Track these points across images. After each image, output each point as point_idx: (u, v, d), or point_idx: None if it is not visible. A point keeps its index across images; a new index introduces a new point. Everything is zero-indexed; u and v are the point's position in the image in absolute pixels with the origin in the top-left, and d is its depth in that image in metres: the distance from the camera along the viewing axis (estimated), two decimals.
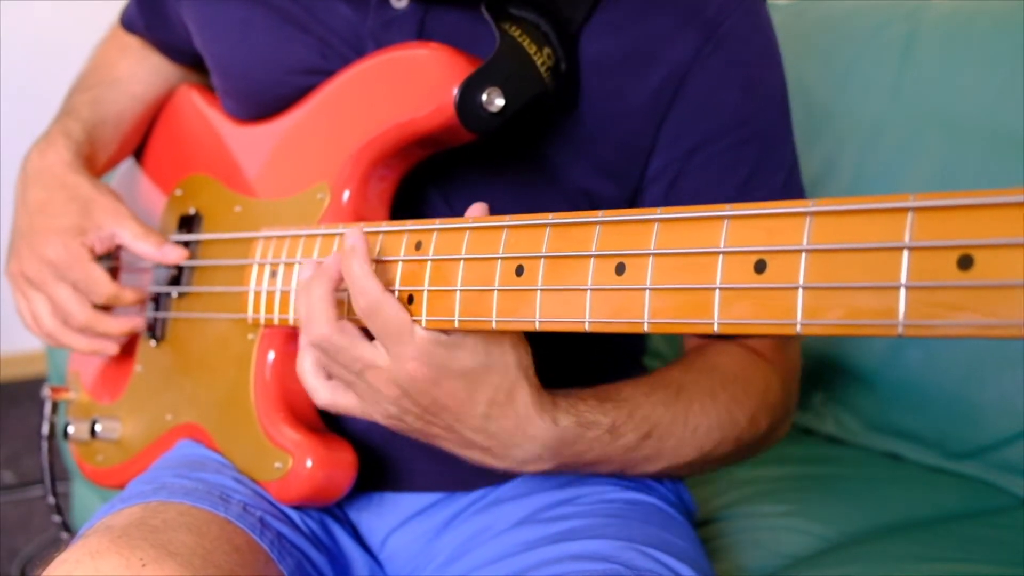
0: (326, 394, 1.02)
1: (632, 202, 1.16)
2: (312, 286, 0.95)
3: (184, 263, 1.26)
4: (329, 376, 1.01)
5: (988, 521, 1.45)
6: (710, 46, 1.08)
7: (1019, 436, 1.52)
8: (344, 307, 0.96)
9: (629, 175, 1.14)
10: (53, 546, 1.00)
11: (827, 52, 1.91)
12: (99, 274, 1.24)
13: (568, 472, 1.06)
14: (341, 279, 0.95)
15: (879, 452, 1.69)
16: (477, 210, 0.92)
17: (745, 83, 1.11)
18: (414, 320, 0.89)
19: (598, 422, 0.99)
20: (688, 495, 1.28)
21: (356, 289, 0.91)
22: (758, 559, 1.38)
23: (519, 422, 0.94)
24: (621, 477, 1.17)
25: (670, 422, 1.04)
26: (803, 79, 1.88)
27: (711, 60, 1.09)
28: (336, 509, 1.22)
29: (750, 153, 1.13)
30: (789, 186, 1.17)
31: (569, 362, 1.09)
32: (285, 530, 1.11)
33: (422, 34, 1.12)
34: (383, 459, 1.20)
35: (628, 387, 1.04)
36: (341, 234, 1.02)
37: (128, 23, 1.47)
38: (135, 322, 1.29)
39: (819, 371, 1.79)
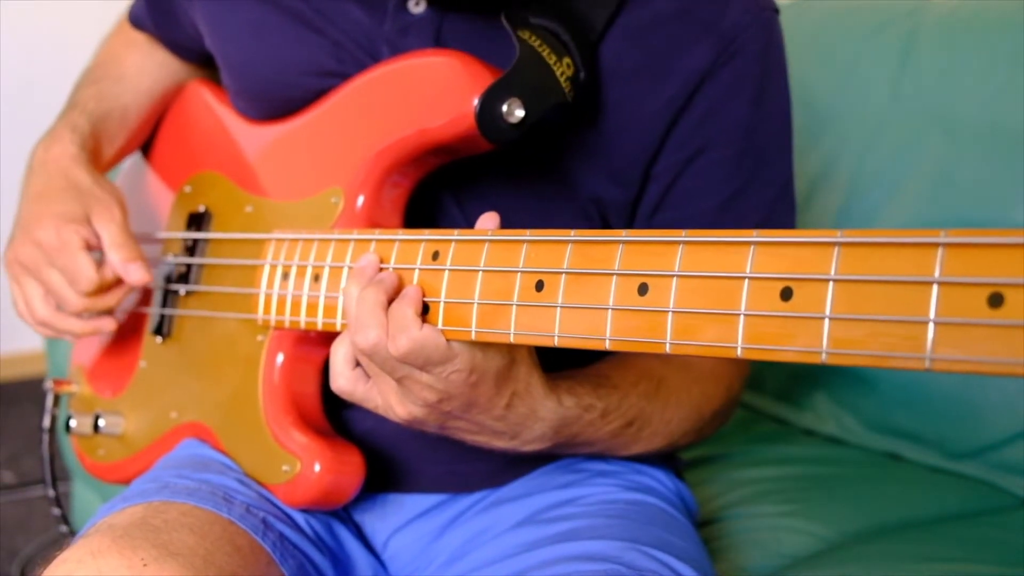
0: (347, 382, 1.01)
1: (635, 204, 1.17)
2: (366, 294, 0.92)
3: (193, 260, 1.26)
4: (356, 364, 1.01)
5: (988, 521, 1.46)
6: (724, 57, 1.10)
7: (1019, 436, 1.53)
8: None
9: (636, 179, 1.14)
10: (53, 546, 1.00)
11: (827, 52, 1.92)
12: (84, 264, 1.21)
13: (556, 452, 1.10)
14: (395, 291, 0.93)
15: (879, 452, 1.69)
16: (490, 220, 0.92)
17: (753, 96, 1.13)
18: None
19: (594, 405, 1.04)
20: (689, 495, 1.29)
21: (396, 327, 0.90)
22: (758, 559, 1.39)
23: (534, 406, 0.98)
24: (592, 457, 1.22)
25: (650, 413, 1.10)
26: (803, 79, 1.88)
27: (724, 71, 1.10)
28: (340, 510, 1.22)
29: (747, 164, 1.14)
30: (780, 202, 1.19)
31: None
32: (288, 531, 1.11)
33: (438, 40, 1.12)
34: (387, 461, 1.20)
35: (616, 374, 1.09)
36: (356, 239, 1.02)
37: (136, 20, 1.46)
38: (131, 288, 1.27)
39: (820, 371, 1.80)
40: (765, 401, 1.90)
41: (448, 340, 0.89)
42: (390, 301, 0.92)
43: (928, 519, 1.46)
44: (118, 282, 1.25)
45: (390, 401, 0.97)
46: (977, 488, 1.56)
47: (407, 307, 0.90)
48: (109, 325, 1.29)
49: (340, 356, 1.01)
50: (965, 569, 1.30)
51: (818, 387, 1.81)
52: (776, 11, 1.16)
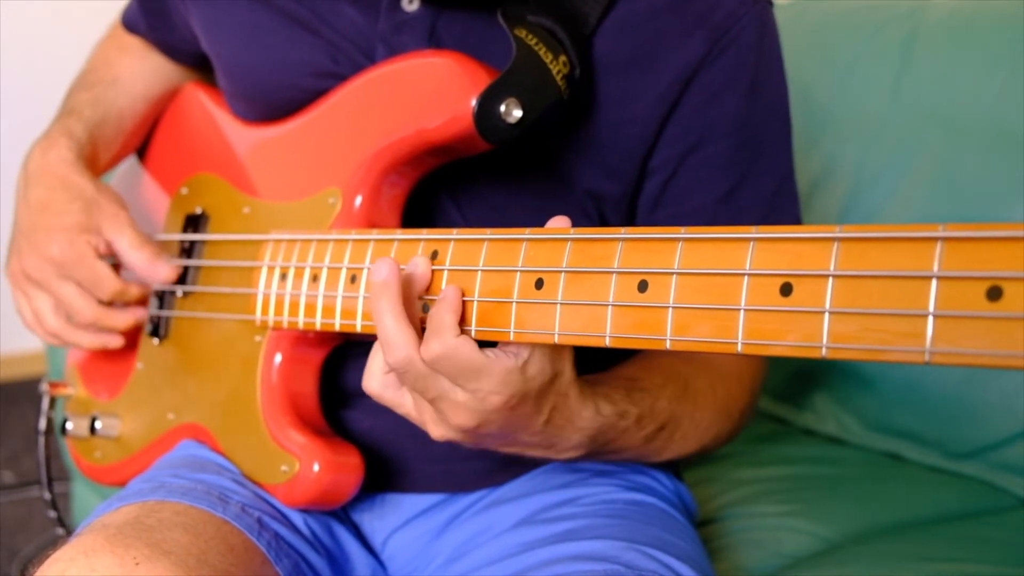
0: (377, 385, 0.97)
1: (632, 197, 1.17)
2: (383, 306, 0.88)
3: (190, 262, 1.26)
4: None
5: (988, 521, 1.46)
6: (717, 49, 1.09)
7: (1019, 436, 1.53)
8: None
9: (631, 174, 1.14)
10: (52, 546, 1.01)
11: (827, 52, 1.92)
12: (104, 271, 1.24)
13: (589, 460, 1.08)
14: (404, 290, 0.89)
15: (879, 452, 1.69)
16: (561, 220, 0.88)
17: (748, 88, 1.12)
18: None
19: (628, 412, 1.01)
20: (689, 495, 1.29)
21: (432, 330, 0.86)
22: (758, 559, 1.39)
23: (571, 417, 0.95)
24: (622, 464, 1.21)
25: (680, 416, 1.07)
26: (803, 79, 1.88)
27: (717, 63, 1.09)
28: (339, 510, 1.22)
29: (745, 157, 1.14)
30: (781, 194, 1.18)
31: None
32: (283, 531, 1.11)
33: (433, 37, 1.12)
34: (386, 460, 1.20)
35: (645, 377, 1.07)
36: (354, 240, 1.02)
37: (130, 24, 1.46)
38: (139, 314, 1.29)
39: (820, 371, 1.80)
40: (765, 401, 1.90)
41: (499, 357, 0.86)
42: (419, 297, 0.91)
43: (928, 519, 1.46)
44: (132, 295, 1.26)
45: (424, 419, 0.95)
46: (977, 488, 1.56)
47: (446, 312, 0.86)
48: (116, 342, 1.30)
49: (378, 359, 0.97)
50: (965, 569, 1.30)
51: (818, 387, 1.81)
52: (770, 3, 1.15)
